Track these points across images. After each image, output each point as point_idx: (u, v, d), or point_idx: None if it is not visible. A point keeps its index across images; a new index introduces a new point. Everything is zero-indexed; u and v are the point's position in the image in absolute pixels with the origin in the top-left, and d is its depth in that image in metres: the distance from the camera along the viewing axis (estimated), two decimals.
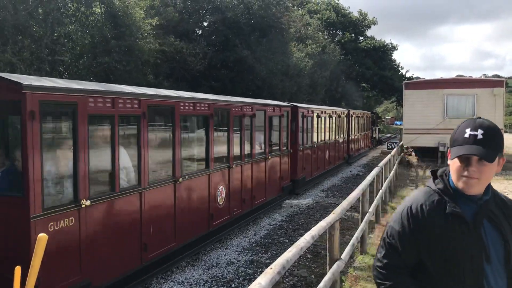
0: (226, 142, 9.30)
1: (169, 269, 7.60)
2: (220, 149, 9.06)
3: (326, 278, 5.00)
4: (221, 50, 26.36)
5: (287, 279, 7.30)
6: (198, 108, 8.09)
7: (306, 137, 16.03)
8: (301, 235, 9.78)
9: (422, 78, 54.83)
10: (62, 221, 5.10)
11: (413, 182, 19.33)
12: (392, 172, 15.72)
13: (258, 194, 10.84)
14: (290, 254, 3.94)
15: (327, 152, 19.83)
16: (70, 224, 5.21)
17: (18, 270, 2.94)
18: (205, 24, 28.53)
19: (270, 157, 11.59)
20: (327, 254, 5.70)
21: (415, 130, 23.95)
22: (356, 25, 46.23)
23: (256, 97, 26.98)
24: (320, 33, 40.90)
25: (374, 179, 9.77)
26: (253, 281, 7.22)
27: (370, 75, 42.79)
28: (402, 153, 25.08)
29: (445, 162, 23.44)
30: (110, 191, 5.96)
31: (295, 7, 42.46)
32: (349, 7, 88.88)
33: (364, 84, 50.70)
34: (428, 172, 22.40)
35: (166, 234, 7.18)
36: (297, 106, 15.07)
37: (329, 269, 5.58)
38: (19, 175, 4.96)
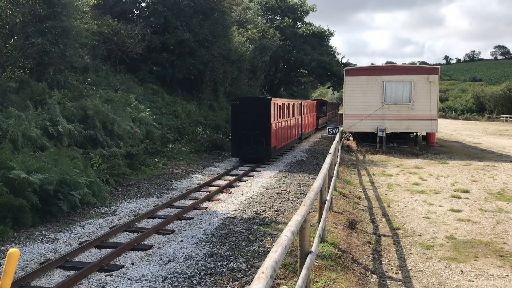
0: None
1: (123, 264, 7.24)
2: None
3: (302, 274, 4.86)
4: (160, 32, 25.44)
5: (249, 272, 7.13)
6: None
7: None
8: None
9: (353, 64, 56.41)
10: None
11: (355, 167, 19.78)
12: (338, 157, 15.96)
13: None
14: (276, 254, 3.74)
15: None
16: None
17: None
18: (143, 4, 27.43)
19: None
20: (298, 247, 5.57)
21: (355, 115, 24.52)
22: (294, 11, 46.34)
23: (198, 81, 26.42)
24: (259, 17, 40.63)
25: (330, 166, 9.80)
26: (216, 276, 7.02)
27: (308, 60, 43.17)
28: (343, 138, 25.63)
29: (383, 147, 24.31)
30: None
31: None
32: None
33: (301, 70, 51.18)
34: (368, 157, 23.07)
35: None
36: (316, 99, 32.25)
37: (300, 262, 5.46)
38: None
